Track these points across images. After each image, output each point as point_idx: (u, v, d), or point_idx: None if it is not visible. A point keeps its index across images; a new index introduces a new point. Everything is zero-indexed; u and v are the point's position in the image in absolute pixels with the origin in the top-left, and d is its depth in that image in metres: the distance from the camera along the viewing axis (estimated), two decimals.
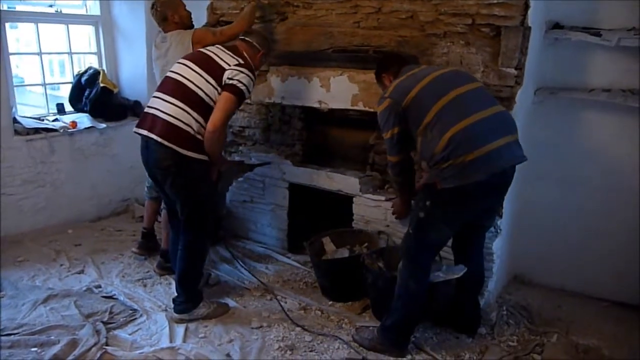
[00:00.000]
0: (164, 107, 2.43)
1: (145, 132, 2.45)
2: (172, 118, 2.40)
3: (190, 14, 3.07)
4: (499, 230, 2.66)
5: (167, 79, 2.53)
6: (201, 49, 2.61)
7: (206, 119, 2.41)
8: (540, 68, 2.76)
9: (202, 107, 2.42)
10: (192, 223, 2.57)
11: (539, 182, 2.93)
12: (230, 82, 2.43)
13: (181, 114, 2.40)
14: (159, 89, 2.53)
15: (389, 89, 2.33)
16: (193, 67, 2.48)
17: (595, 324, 2.67)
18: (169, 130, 2.39)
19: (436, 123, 2.14)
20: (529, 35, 2.45)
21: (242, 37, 2.70)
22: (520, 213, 2.95)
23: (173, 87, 2.47)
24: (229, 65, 2.47)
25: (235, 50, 2.60)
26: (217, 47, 2.60)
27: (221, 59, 2.51)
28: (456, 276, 2.39)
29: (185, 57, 2.58)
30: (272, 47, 2.84)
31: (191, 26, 3.07)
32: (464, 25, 2.57)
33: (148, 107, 2.52)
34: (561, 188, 2.89)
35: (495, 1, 2.45)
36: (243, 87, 2.45)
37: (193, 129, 2.40)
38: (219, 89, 2.44)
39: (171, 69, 2.55)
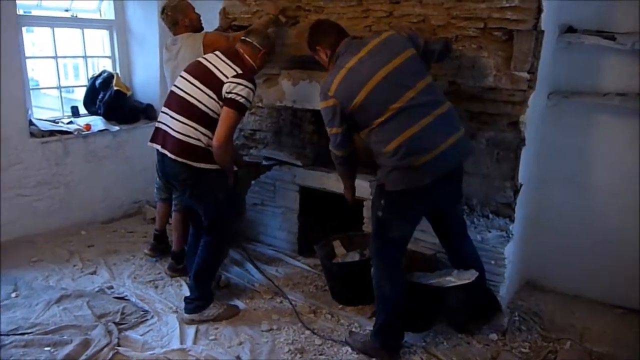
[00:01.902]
0: (173, 124, 2.49)
1: (159, 148, 2.54)
2: (181, 135, 2.46)
3: (199, 16, 3.11)
4: (510, 235, 2.64)
5: (172, 94, 2.57)
6: (200, 59, 2.60)
7: (213, 132, 2.45)
8: (553, 72, 2.73)
9: (207, 121, 2.46)
10: (215, 226, 2.63)
11: (552, 186, 2.90)
12: (229, 96, 2.43)
13: (189, 131, 2.45)
14: (166, 104, 2.58)
15: (332, 86, 2.21)
16: (193, 82, 2.50)
17: (610, 331, 2.63)
18: (180, 146, 2.46)
19: (382, 129, 2.15)
20: (542, 39, 2.43)
21: (243, 38, 2.68)
22: (532, 217, 2.93)
23: (178, 104, 2.51)
24: (227, 78, 2.45)
25: (234, 57, 2.56)
26: (216, 56, 2.57)
27: (219, 70, 2.49)
28: (468, 281, 2.37)
29: (186, 70, 2.59)
30: (275, 45, 2.82)
31: (201, 28, 3.11)
32: (476, 29, 2.55)
33: (158, 122, 2.59)
34: (574, 192, 2.86)
35: (507, 5, 2.43)
36: (242, 100, 2.43)
37: (203, 143, 2.46)
38: (220, 102, 2.45)
39: (175, 84, 2.59)
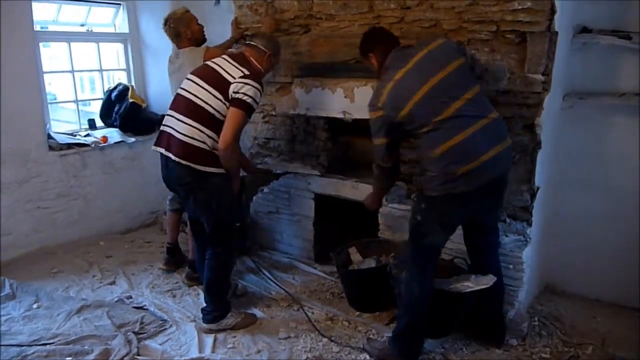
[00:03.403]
0: (178, 126, 2.48)
1: (163, 151, 2.53)
2: (186, 137, 2.44)
3: (202, 27, 3.12)
4: (528, 239, 2.61)
5: (178, 96, 2.56)
6: (208, 63, 2.60)
7: (218, 134, 2.44)
8: (568, 73, 2.71)
9: (213, 123, 2.45)
10: (218, 234, 2.61)
11: (570, 189, 2.87)
12: (236, 96, 2.42)
13: (194, 133, 2.44)
14: (172, 107, 2.57)
15: (381, 97, 2.23)
16: (200, 84, 2.50)
17: (633, 336, 2.57)
18: (185, 149, 2.44)
19: (429, 137, 2.16)
20: (556, 40, 2.41)
21: (248, 42, 2.69)
22: (550, 220, 2.89)
23: (184, 106, 2.50)
24: (234, 78, 2.45)
25: (241, 59, 2.57)
26: (223, 59, 2.57)
27: (226, 71, 2.49)
28: (485, 286, 2.34)
29: (192, 73, 2.59)
30: (280, 47, 2.81)
31: (204, 40, 3.12)
32: (488, 32, 2.54)
33: (163, 125, 2.58)
34: (593, 195, 2.82)
35: (520, 7, 2.42)
36: (249, 100, 2.43)
37: (208, 145, 2.45)
38: (226, 103, 2.44)
39: (181, 86, 2.59)
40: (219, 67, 2.52)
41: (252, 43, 2.66)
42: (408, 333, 2.33)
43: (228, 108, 2.43)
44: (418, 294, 2.28)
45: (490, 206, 2.35)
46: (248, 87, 2.43)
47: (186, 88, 2.54)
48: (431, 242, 2.28)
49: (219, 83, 2.46)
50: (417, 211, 2.28)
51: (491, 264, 2.44)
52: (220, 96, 2.44)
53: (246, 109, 2.44)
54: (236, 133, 2.44)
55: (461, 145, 2.10)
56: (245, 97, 2.42)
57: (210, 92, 2.46)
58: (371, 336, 2.60)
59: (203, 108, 2.45)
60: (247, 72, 2.48)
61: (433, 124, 2.13)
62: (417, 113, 2.16)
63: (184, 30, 3.02)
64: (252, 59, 2.61)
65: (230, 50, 3.12)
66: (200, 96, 2.47)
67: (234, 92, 2.43)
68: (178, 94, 2.58)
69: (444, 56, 2.23)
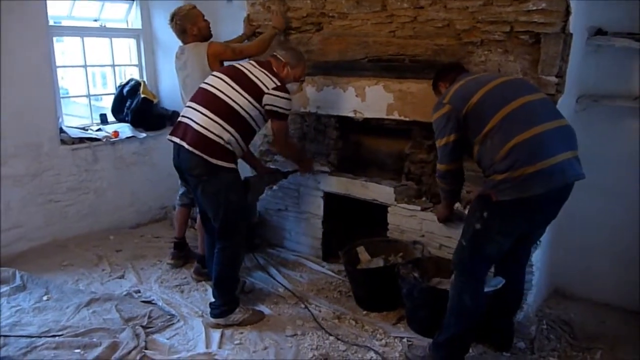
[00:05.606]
0: (196, 117, 2.52)
1: (177, 140, 2.56)
2: (203, 129, 2.48)
3: (208, 24, 3.12)
4: (538, 242, 2.59)
5: (201, 90, 2.61)
6: (236, 66, 2.67)
7: (239, 130, 2.53)
8: (582, 75, 2.68)
9: (235, 119, 2.51)
10: (226, 229, 2.63)
11: (581, 192, 2.80)
12: (274, 109, 2.60)
13: (212, 125, 2.48)
14: (193, 99, 2.61)
15: (447, 95, 2.20)
16: (228, 81, 2.56)
17: None
18: (199, 139, 2.48)
19: (498, 131, 2.02)
20: (570, 42, 2.39)
21: (274, 54, 2.76)
22: (561, 224, 2.85)
23: (206, 99, 2.55)
24: (267, 89, 2.56)
25: (268, 68, 2.66)
26: (250, 63, 2.66)
27: (257, 77, 2.59)
28: (494, 289, 2.33)
29: (219, 71, 2.67)
30: (301, 59, 2.81)
31: (210, 36, 3.13)
32: (501, 33, 2.53)
33: (182, 116, 2.62)
34: (604, 198, 2.79)
35: (534, 8, 2.40)
36: (282, 110, 2.63)
37: (223, 140, 2.48)
38: (258, 106, 2.57)
39: (205, 81, 2.63)
40: (247, 71, 2.61)
41: (276, 55, 2.74)
42: (456, 342, 2.25)
43: (258, 110, 2.57)
44: (470, 305, 2.19)
45: (549, 218, 2.24)
46: (280, 99, 2.60)
47: (211, 83, 2.60)
48: (490, 252, 2.16)
49: (250, 86, 2.57)
50: (476, 219, 2.10)
51: (519, 273, 2.42)
52: (251, 99, 2.55)
53: (282, 117, 2.69)
54: (283, 137, 2.79)
55: (532, 141, 1.97)
56: (282, 110, 2.63)
57: (238, 91, 2.54)
58: (412, 342, 2.53)
59: (227, 104, 2.52)
60: (278, 84, 2.59)
61: (503, 112, 2.03)
62: (486, 102, 2.09)
63: (190, 27, 3.03)
64: (275, 68, 2.69)
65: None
66: (226, 92, 2.54)
67: (270, 104, 2.58)
68: (201, 88, 2.62)
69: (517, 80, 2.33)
